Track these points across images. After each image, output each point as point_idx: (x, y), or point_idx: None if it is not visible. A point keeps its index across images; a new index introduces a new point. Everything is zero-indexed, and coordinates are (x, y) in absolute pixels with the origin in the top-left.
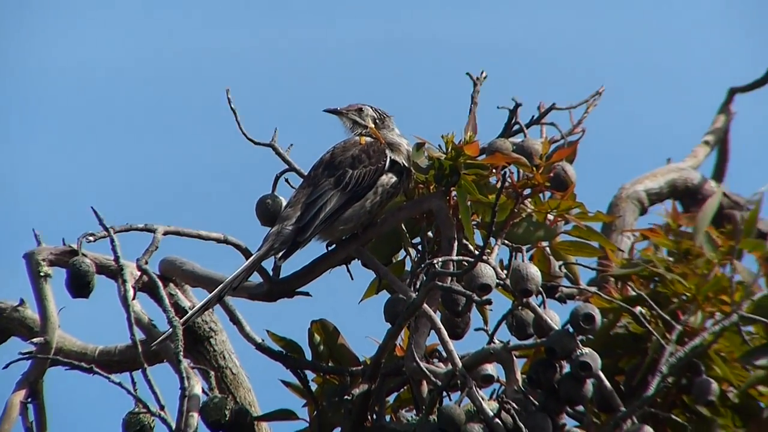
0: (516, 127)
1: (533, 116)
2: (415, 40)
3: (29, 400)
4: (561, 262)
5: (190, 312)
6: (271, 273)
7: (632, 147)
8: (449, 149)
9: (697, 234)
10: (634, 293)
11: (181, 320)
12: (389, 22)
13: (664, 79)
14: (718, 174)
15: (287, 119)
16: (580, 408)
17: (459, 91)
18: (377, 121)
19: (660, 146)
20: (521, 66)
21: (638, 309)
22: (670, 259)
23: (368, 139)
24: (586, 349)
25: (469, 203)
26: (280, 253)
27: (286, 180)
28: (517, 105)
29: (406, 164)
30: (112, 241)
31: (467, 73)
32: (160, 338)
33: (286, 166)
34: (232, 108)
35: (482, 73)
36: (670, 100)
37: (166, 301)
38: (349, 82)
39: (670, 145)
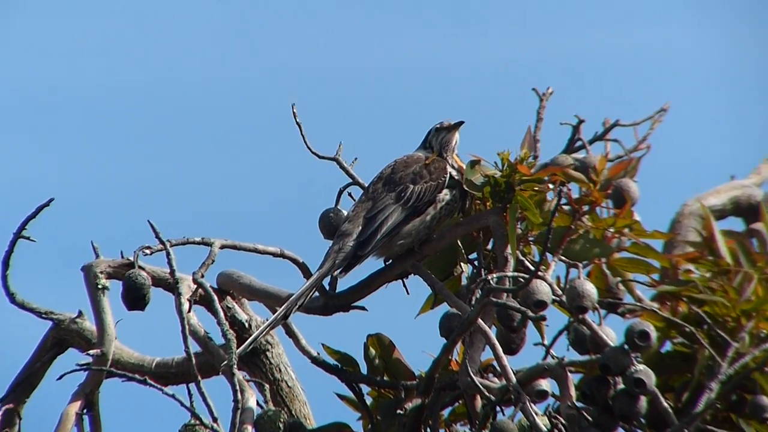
0: (579, 143)
1: (596, 132)
2: (477, 59)
3: (85, 411)
4: (618, 279)
5: (258, 331)
6: (327, 287)
7: (696, 163)
8: (504, 166)
9: (720, 248)
10: (683, 310)
11: (248, 341)
12: (453, 41)
13: (728, 94)
14: None
15: (351, 133)
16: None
17: (522, 109)
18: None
19: (724, 162)
20: (586, 83)
21: (687, 327)
22: (709, 276)
23: (435, 157)
24: (641, 366)
25: (525, 219)
26: (340, 268)
27: (350, 194)
28: (581, 121)
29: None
30: (168, 254)
31: (533, 89)
32: (227, 360)
33: (350, 180)
34: (297, 122)
35: (548, 89)
36: (735, 115)
37: (221, 314)
38: (412, 99)
39: (734, 161)
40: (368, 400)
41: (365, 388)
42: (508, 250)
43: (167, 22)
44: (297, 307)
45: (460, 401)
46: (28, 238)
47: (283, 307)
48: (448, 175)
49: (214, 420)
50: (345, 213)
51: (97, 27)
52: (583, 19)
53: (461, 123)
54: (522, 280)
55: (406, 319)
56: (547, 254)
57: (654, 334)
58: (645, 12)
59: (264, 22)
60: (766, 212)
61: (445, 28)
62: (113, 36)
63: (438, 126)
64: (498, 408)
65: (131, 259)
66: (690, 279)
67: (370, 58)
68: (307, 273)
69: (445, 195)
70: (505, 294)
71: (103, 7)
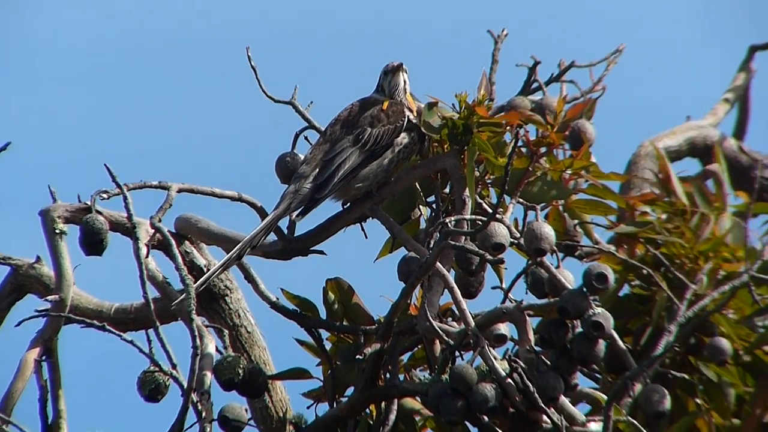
0: (535, 85)
1: (553, 74)
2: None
3: (44, 358)
4: (576, 221)
5: (210, 271)
6: (285, 231)
7: (652, 104)
8: (462, 108)
9: (676, 189)
10: (640, 253)
11: (201, 280)
12: None
13: (684, 36)
14: (739, 132)
15: (306, 77)
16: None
17: (478, 50)
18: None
19: (680, 104)
20: (541, 24)
21: (645, 269)
22: (663, 217)
23: (391, 100)
24: (599, 309)
25: (482, 162)
26: (297, 211)
27: (306, 138)
28: (536, 63)
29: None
30: (126, 198)
31: (488, 31)
32: (179, 299)
33: (306, 124)
34: (252, 66)
35: (503, 30)
36: (691, 57)
37: (179, 259)
38: (367, 40)
39: (690, 102)
40: (328, 346)
41: (325, 334)
42: (466, 192)
43: None
44: (251, 247)
45: (419, 346)
46: None
47: (237, 247)
48: (406, 118)
49: (173, 366)
50: (301, 157)
51: None
52: None
53: (400, 65)
54: (480, 223)
55: (364, 263)
56: (505, 197)
57: (612, 277)
58: None
59: None
60: (720, 153)
61: None
62: None
63: (384, 69)
64: (457, 352)
65: (88, 203)
66: (647, 220)
67: (324, 2)
68: (265, 217)
69: (403, 138)
70: (464, 237)
71: None
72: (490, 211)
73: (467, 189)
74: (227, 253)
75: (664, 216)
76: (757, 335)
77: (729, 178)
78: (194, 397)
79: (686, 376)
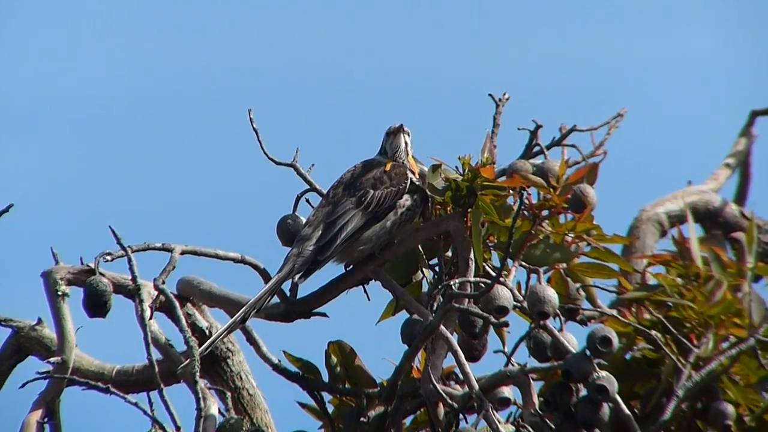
0: (537, 148)
1: (554, 138)
2: (435, 61)
3: (46, 419)
4: (579, 285)
5: (215, 335)
6: (288, 293)
7: (654, 169)
8: (466, 171)
9: (695, 256)
10: (649, 317)
11: (206, 344)
12: (411, 43)
13: (685, 101)
14: (740, 197)
15: (307, 140)
16: None
17: (479, 113)
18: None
19: (681, 168)
20: (543, 88)
21: (653, 333)
22: (679, 281)
23: (394, 162)
24: (603, 373)
25: (485, 224)
26: (300, 273)
27: (307, 200)
28: (538, 126)
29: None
30: (130, 260)
31: (489, 94)
32: (185, 363)
33: (308, 186)
34: (254, 128)
35: (504, 94)
36: (692, 122)
37: (183, 321)
38: (369, 103)
39: (692, 167)
40: (330, 409)
41: (327, 396)
42: (471, 255)
43: (122, 26)
44: (255, 310)
45: (423, 409)
46: None
47: (241, 310)
48: (409, 180)
49: (177, 429)
50: (303, 219)
51: (48, 29)
52: (541, 25)
53: (401, 126)
54: (483, 285)
55: (367, 326)
56: (508, 259)
57: (616, 340)
58: (599, 16)
59: (221, 26)
60: (753, 228)
61: (402, 33)
62: (62, 39)
63: (386, 131)
64: (461, 415)
65: (91, 265)
66: (660, 282)
67: (327, 65)
68: (267, 279)
69: (406, 200)
70: (467, 300)
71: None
72: (493, 273)
73: (472, 251)
74: (229, 316)
75: (678, 278)
76: (766, 401)
77: (730, 243)
78: None
79: None
